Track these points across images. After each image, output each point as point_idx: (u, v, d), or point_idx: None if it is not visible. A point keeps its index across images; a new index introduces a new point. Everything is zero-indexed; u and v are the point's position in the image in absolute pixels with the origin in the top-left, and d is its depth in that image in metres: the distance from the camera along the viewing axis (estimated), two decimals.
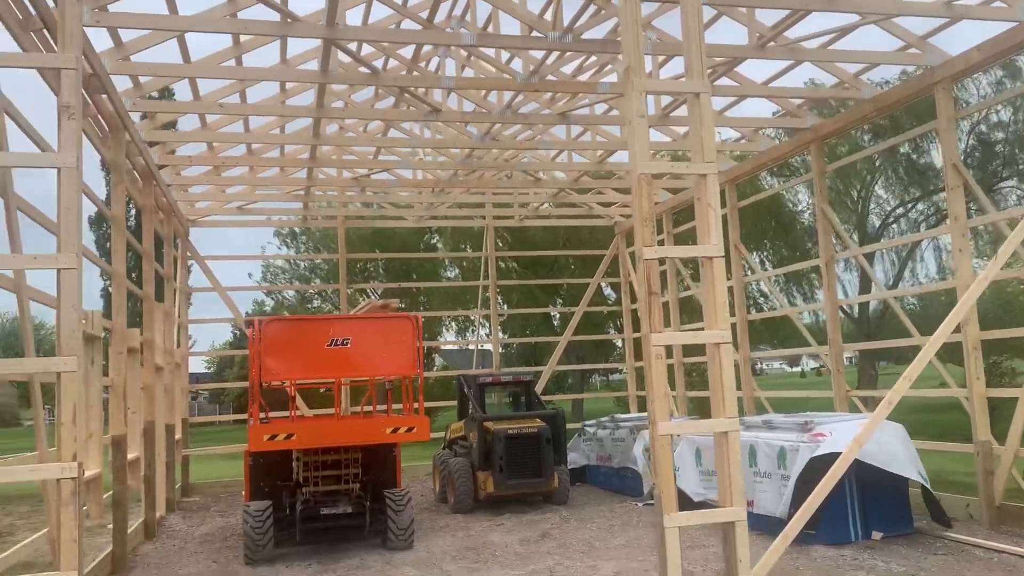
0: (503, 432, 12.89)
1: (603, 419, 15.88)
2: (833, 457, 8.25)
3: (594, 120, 13.46)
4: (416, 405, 10.93)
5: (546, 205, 19.93)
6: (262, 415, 10.81)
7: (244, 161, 14.41)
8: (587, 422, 16.34)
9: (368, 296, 30.81)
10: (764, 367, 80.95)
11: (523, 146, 14.30)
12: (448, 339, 37.85)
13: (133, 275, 14.60)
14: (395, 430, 10.03)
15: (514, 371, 16.97)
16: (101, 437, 8.95)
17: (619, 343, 41.18)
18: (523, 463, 12.94)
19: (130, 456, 11.05)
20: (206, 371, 47.36)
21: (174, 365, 15.42)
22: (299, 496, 10.39)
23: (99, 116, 10.16)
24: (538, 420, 13.46)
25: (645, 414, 16.81)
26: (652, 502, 13.07)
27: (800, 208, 29.62)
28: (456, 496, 13.09)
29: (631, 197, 18.06)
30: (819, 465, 8.74)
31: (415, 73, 11.93)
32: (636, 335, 21.82)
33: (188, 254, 18.19)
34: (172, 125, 18.27)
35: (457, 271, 34.97)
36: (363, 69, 10.96)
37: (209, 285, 18.37)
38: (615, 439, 14.73)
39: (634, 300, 20.46)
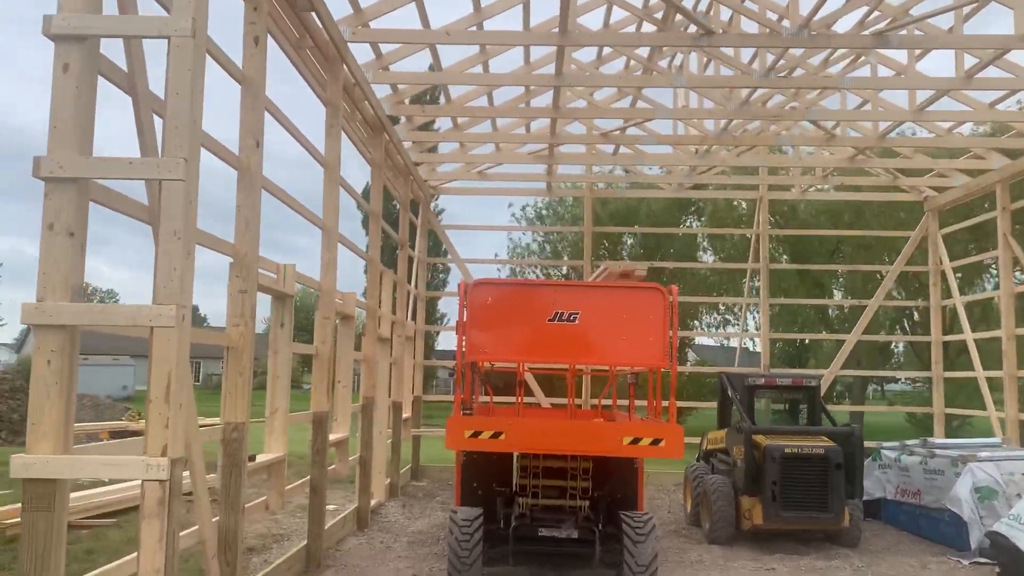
0: (778, 450, 10.06)
1: (910, 442, 12.31)
2: None
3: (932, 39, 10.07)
4: (667, 406, 8.44)
5: (831, 175, 16.41)
6: (465, 405, 8.80)
7: (487, 113, 12.74)
8: (885, 444, 12.81)
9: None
10: None
11: (823, 83, 11.18)
12: (704, 330, 34.58)
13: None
14: (635, 441, 7.61)
15: (794, 373, 13.69)
16: (287, 414, 7.50)
17: (898, 347, 35.57)
18: (804, 492, 10.03)
19: (337, 436, 9.72)
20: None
21: (404, 338, 14.21)
22: (515, 508, 8.39)
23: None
24: (825, 438, 10.45)
25: (970, 440, 13.21)
26: (984, 560, 9.68)
27: None
28: (713, 523, 10.47)
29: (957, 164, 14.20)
30: None
31: None
32: (951, 337, 17.61)
33: (428, 222, 17.03)
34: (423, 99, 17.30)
35: (716, 255, 31.66)
36: None
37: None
38: (928, 470, 11.22)
39: (947, 294, 16.32)
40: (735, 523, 10.45)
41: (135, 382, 52.07)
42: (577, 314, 8.00)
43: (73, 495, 10.72)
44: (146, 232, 6.07)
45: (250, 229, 6.38)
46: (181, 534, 5.62)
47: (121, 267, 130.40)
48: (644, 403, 10.08)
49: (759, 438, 10.43)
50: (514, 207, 35.60)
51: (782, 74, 11.12)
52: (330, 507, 12.40)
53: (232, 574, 6.13)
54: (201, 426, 5.83)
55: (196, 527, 5.69)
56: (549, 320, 8.03)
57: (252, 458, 6.74)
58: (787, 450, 10.09)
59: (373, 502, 12.12)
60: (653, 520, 8.09)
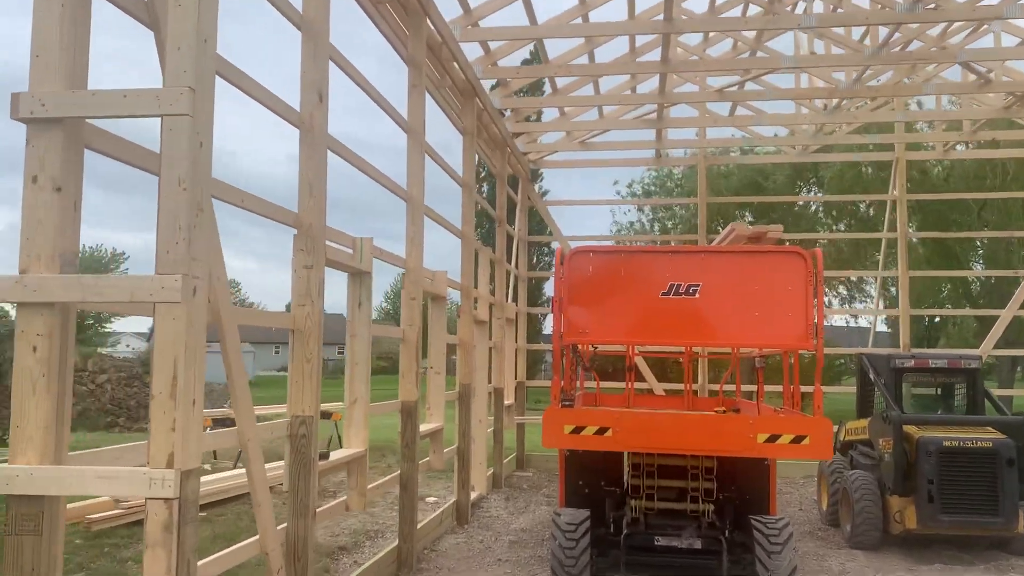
0: (934, 443, 8.61)
1: None
2: None
3: None
4: (807, 393, 7.15)
5: (980, 128, 14.42)
6: (564, 395, 7.68)
7: (589, 72, 11.67)
8: None
9: None
10: None
11: (983, 15, 9.50)
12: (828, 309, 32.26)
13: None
14: (773, 439, 6.37)
15: (948, 353, 11.93)
16: (367, 405, 6.72)
17: None
18: (967, 492, 8.56)
19: (429, 427, 8.94)
20: None
21: (505, 321, 13.34)
22: (626, 510, 7.34)
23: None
24: (992, 429, 8.91)
25: None
26: None
27: None
28: (855, 525, 9.12)
29: None
30: None
31: None
32: None
33: (528, 198, 16.07)
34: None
35: (836, 226, 29.37)
36: None
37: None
38: None
39: None
40: (882, 526, 9.07)
41: (255, 368, 53.86)
42: (698, 286, 6.79)
43: None
44: (263, 223, 5.40)
45: (315, 195, 5.59)
46: (243, 543, 4.91)
47: (248, 257, 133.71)
48: (772, 390, 8.81)
49: (911, 429, 8.98)
50: (619, 184, 34.24)
51: (931, 5, 9.53)
52: (430, 499, 11.74)
53: None
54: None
55: (257, 536, 4.95)
56: (663, 294, 6.86)
57: (325, 455, 5.97)
58: (946, 443, 8.62)
59: (474, 495, 11.35)
60: (790, 526, 6.90)
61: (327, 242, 5.94)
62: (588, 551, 6.85)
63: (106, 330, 63.63)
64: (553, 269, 7.33)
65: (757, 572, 6.75)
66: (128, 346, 61.93)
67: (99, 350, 40.53)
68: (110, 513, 9.01)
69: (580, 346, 8.67)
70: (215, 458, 15.79)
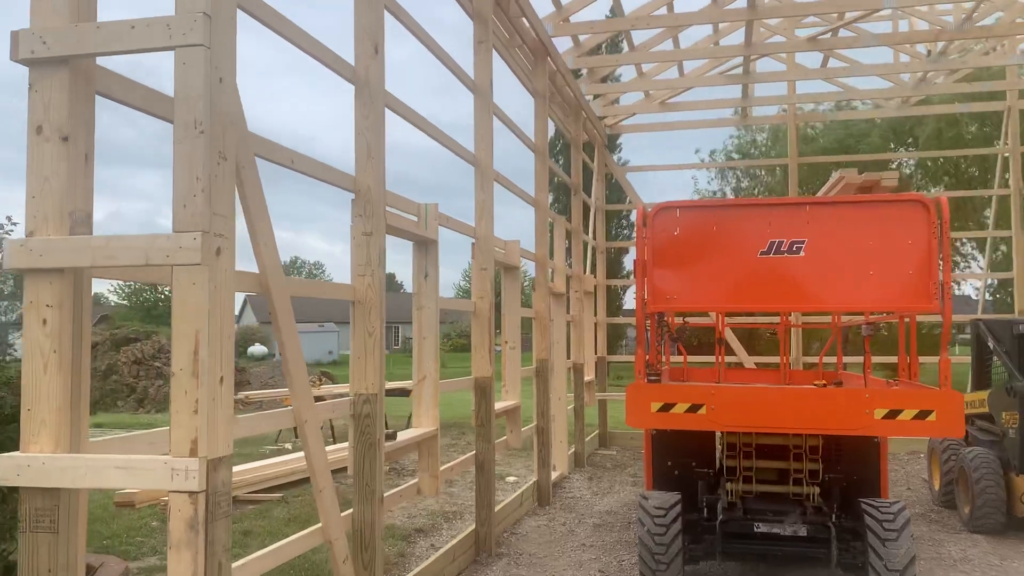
0: None
1: None
2: None
3: None
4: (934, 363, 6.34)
5: None
6: (650, 369, 6.90)
7: (668, 23, 10.90)
8: None
9: None
10: None
11: None
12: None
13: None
14: (893, 414, 5.62)
15: None
16: (436, 381, 6.28)
17: None
18: None
19: (505, 404, 8.49)
20: None
21: (583, 294, 12.77)
22: (721, 493, 6.72)
23: None
24: None
25: None
26: None
27: None
28: (975, 508, 8.27)
29: None
30: None
31: None
32: None
33: (605, 164, 15.37)
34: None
35: (942, 185, 27.53)
36: None
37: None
38: None
39: None
40: (1006, 509, 8.19)
41: (339, 347, 54.83)
42: (803, 243, 6.03)
43: (237, 468, 10.29)
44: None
45: (373, 157, 5.14)
46: (304, 532, 4.55)
47: (336, 240, 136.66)
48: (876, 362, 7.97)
49: None
50: (701, 152, 33.05)
51: None
52: (510, 479, 11.35)
53: None
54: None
55: (319, 525, 4.57)
56: (762, 253, 6.12)
57: (392, 436, 5.57)
58: None
59: (555, 475, 10.89)
60: (906, 510, 6.17)
61: (389, 208, 5.50)
62: (679, 537, 6.27)
63: None
64: (635, 233, 6.66)
65: (869, 561, 6.06)
66: None
67: None
68: None
69: (666, 315, 8.00)
70: (296, 436, 15.83)
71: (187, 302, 2.68)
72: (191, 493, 2.62)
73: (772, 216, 6.23)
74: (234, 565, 3.43)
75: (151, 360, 22.51)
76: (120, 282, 48.42)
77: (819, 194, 8.78)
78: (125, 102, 2.95)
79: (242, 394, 15.30)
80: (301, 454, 11.74)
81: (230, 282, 2.80)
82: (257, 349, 55.32)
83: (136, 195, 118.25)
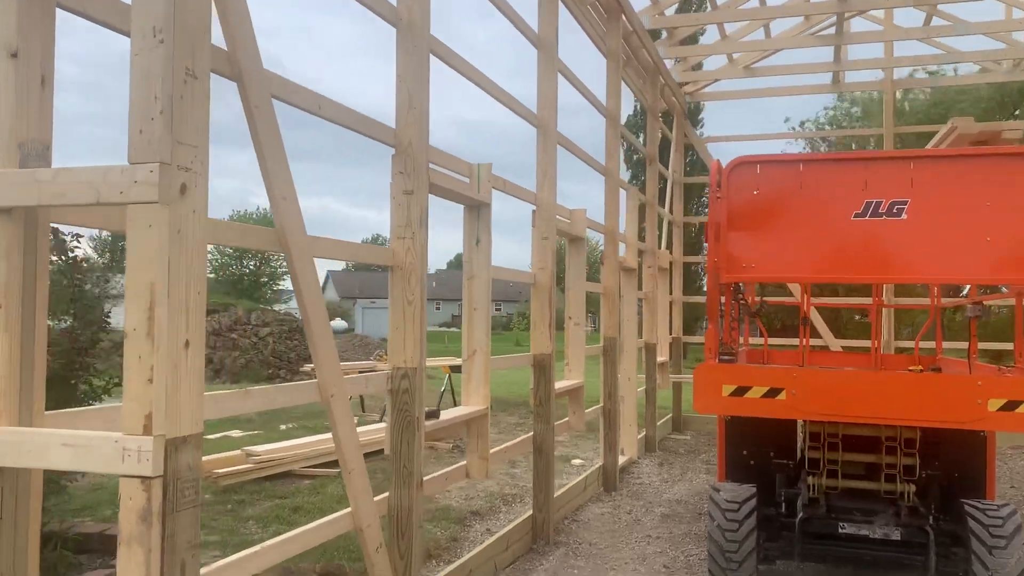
0: None
1: None
2: None
3: None
4: None
5: None
6: (724, 348, 6.25)
7: None
8: None
9: None
10: None
11: None
12: None
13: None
14: (1011, 406, 4.83)
15: None
16: (488, 356, 5.81)
17: None
18: None
19: (567, 384, 7.97)
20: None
21: (656, 270, 12.09)
22: (802, 488, 6.05)
23: None
24: None
25: None
26: None
27: None
28: None
29: None
30: None
31: None
32: None
33: (684, 135, 14.56)
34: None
35: None
36: None
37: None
38: None
39: None
40: None
41: None
42: (905, 203, 5.25)
43: (296, 441, 10.08)
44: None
45: (415, 107, 4.67)
46: (330, 517, 4.15)
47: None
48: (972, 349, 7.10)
49: None
50: (791, 121, 31.56)
51: None
52: (576, 461, 10.85)
53: (406, 569, 4.58)
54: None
55: (349, 509, 4.17)
56: (856, 216, 5.37)
57: (435, 414, 5.13)
58: None
59: (623, 459, 10.34)
60: (1017, 515, 5.41)
61: (436, 167, 5.03)
62: (754, 534, 5.65)
63: (280, 287, 67.39)
64: (708, 190, 5.99)
65: (973, 570, 5.33)
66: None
67: (272, 307, 42.60)
68: (239, 468, 8.72)
69: (744, 287, 7.26)
70: (363, 411, 15.67)
71: (142, 248, 2.24)
72: (143, 478, 2.19)
73: (869, 172, 5.45)
74: (232, 560, 3.03)
75: (228, 332, 22.85)
76: (210, 255, 49.02)
77: (929, 146, 7.79)
78: (83, 13, 2.53)
79: (308, 366, 15.21)
80: (367, 427, 11.54)
81: (200, 228, 2.35)
82: (338, 324, 56.19)
83: (225, 172, 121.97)
